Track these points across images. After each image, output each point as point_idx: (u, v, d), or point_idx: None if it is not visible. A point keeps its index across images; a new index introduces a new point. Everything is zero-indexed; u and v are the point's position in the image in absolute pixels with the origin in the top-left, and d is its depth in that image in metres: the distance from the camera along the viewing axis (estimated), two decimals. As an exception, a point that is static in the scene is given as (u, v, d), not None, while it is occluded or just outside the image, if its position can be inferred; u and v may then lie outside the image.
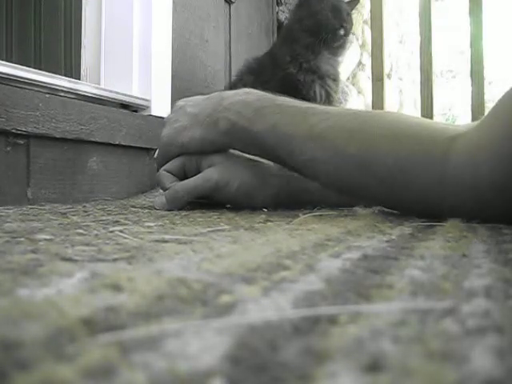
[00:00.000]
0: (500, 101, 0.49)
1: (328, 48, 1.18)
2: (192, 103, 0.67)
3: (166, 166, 0.68)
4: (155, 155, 0.72)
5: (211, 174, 0.64)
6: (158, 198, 0.68)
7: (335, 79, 1.21)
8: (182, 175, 0.67)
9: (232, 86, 1.27)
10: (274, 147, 0.59)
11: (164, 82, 1.16)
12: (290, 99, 0.62)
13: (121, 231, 0.39)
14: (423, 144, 0.51)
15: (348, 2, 1.27)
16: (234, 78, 1.32)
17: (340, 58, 1.25)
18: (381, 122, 0.55)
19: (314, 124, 0.56)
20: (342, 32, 1.17)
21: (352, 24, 1.24)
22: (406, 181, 0.51)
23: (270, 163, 0.66)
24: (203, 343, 0.14)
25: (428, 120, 0.70)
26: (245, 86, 1.25)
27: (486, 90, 1.70)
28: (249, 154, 0.66)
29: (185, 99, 0.70)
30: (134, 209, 0.68)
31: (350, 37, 1.27)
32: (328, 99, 1.19)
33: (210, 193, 0.65)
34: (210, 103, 0.65)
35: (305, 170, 0.59)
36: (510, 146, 0.46)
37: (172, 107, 1.15)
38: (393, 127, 0.54)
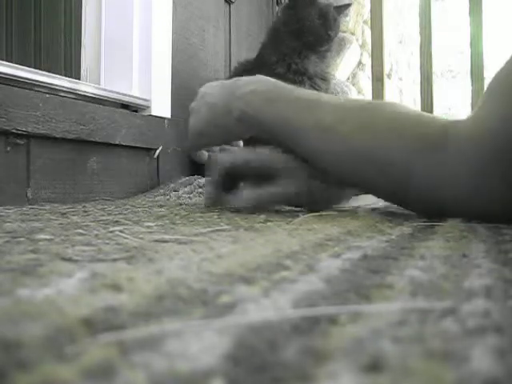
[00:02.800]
0: (492, 82, 0.52)
1: (315, 52, 1.18)
2: (210, 91, 0.71)
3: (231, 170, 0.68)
4: (155, 155, 0.73)
5: (290, 186, 0.64)
6: (238, 195, 0.68)
7: (325, 78, 1.22)
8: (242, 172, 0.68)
9: None
10: (281, 137, 0.61)
11: (164, 82, 1.16)
12: (298, 89, 0.64)
13: (121, 231, 0.39)
14: (420, 132, 0.54)
15: (338, 7, 1.26)
16: None
17: (329, 59, 1.25)
18: (381, 115, 0.57)
19: (319, 117, 0.58)
20: (327, 39, 1.17)
21: (339, 28, 1.24)
22: (406, 169, 0.53)
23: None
24: (203, 343, 0.14)
25: (424, 113, 0.74)
26: None
27: (485, 90, 1.69)
28: (266, 141, 0.68)
29: (206, 85, 0.73)
30: (134, 209, 0.68)
31: (338, 38, 1.27)
32: None
33: (283, 202, 0.67)
34: (225, 92, 0.68)
35: (311, 160, 0.61)
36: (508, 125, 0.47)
37: (172, 106, 1.16)
38: (392, 119, 0.57)
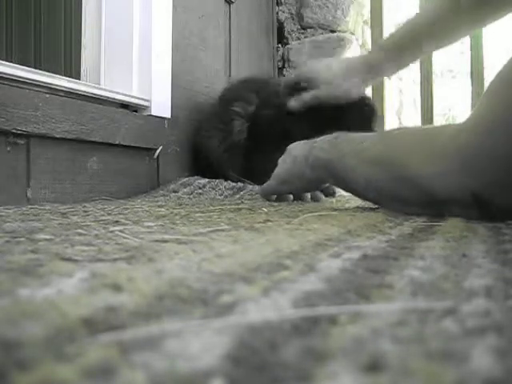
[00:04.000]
0: (492, 81, 0.58)
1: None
2: (296, 146, 0.83)
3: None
4: (155, 155, 0.73)
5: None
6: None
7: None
8: None
9: (223, 94, 1.25)
10: (338, 170, 0.71)
11: (164, 82, 1.16)
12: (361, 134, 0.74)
13: (121, 231, 0.39)
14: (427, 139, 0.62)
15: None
16: (225, 84, 1.32)
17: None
18: (395, 141, 0.67)
19: (360, 150, 0.69)
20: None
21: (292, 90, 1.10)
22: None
23: None
24: (203, 343, 0.14)
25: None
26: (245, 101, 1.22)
27: (485, 90, 1.69)
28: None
29: (294, 143, 0.85)
30: (134, 209, 0.68)
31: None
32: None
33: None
34: (306, 147, 0.79)
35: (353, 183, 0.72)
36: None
37: (172, 106, 1.16)
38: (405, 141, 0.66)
